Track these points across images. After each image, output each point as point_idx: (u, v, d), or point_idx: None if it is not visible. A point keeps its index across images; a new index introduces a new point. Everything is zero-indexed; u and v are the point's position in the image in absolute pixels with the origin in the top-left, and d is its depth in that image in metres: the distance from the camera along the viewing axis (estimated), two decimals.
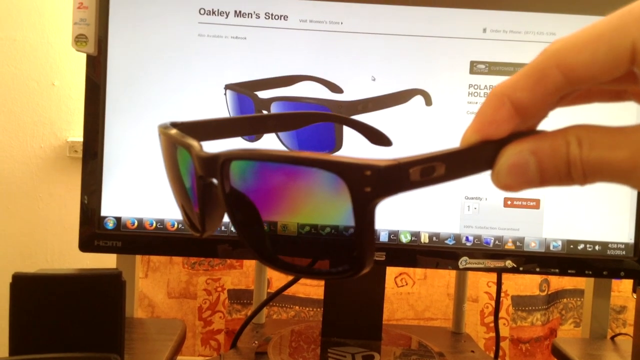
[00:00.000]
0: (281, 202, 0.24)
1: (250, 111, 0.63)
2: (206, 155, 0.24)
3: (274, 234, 0.26)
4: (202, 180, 0.25)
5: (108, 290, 0.53)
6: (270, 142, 0.63)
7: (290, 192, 0.23)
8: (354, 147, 0.63)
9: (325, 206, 0.23)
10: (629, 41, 0.18)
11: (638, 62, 0.18)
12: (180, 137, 0.26)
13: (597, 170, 0.19)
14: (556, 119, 0.22)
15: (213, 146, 0.26)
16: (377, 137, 0.57)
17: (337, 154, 0.63)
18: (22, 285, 0.52)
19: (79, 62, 1.14)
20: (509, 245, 0.64)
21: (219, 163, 0.23)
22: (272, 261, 0.25)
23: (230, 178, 0.23)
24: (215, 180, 0.24)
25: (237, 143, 0.60)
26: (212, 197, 0.25)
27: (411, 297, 1.09)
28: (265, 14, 0.63)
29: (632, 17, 0.18)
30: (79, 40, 0.62)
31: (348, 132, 0.63)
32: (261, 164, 0.23)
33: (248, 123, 0.40)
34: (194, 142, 0.25)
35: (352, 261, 0.22)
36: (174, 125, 0.30)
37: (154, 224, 0.65)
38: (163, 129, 0.28)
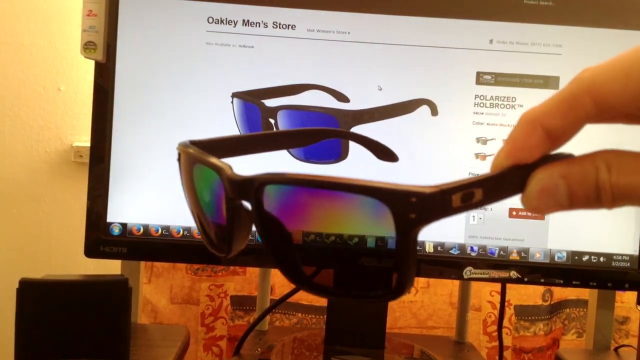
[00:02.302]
0: (318, 226, 0.23)
1: (257, 119, 0.63)
2: (240, 179, 0.23)
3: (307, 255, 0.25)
4: (232, 202, 0.24)
5: (114, 297, 0.54)
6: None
7: (328, 216, 0.23)
8: (358, 157, 0.63)
9: (365, 231, 0.22)
10: None
11: None
12: (207, 158, 0.26)
13: (626, 195, 0.19)
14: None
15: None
16: (384, 153, 0.57)
17: (341, 163, 0.63)
18: (29, 290, 0.52)
19: (85, 68, 1.14)
20: (514, 256, 0.64)
21: (254, 187, 0.22)
22: (307, 284, 0.24)
23: (264, 202, 0.23)
24: (245, 203, 0.23)
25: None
26: (240, 219, 0.25)
27: (414, 306, 1.09)
28: (273, 23, 0.63)
29: None
30: (87, 47, 0.63)
31: (353, 143, 0.63)
32: (298, 188, 0.22)
33: (260, 140, 0.40)
34: (223, 164, 0.24)
35: (392, 284, 0.22)
36: (193, 143, 0.30)
37: (160, 231, 0.65)
38: (184, 148, 0.28)
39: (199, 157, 0.27)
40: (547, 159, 0.21)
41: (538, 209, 0.21)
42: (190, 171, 0.27)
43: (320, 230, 0.24)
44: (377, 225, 0.21)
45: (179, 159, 0.30)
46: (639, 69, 0.19)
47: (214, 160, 0.25)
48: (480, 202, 0.21)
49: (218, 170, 0.25)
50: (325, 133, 0.47)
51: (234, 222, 0.25)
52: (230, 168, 0.24)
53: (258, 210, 0.23)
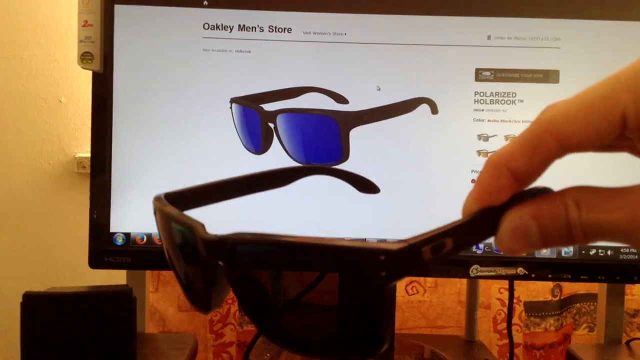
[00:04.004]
0: (293, 283, 0.23)
1: (257, 124, 0.63)
2: (212, 239, 0.23)
3: (285, 314, 0.25)
4: (206, 261, 0.24)
5: (119, 308, 0.53)
6: (277, 152, 0.63)
7: (302, 275, 0.23)
8: (361, 159, 0.63)
9: (340, 287, 0.22)
10: (619, 109, 0.18)
11: (629, 128, 0.19)
12: (180, 216, 0.26)
13: (597, 231, 0.19)
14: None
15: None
16: (365, 186, 0.56)
17: (347, 163, 0.63)
18: (33, 304, 0.52)
19: (85, 79, 1.14)
20: None
21: (227, 247, 0.22)
22: (283, 342, 0.24)
23: (237, 261, 0.23)
24: (220, 262, 0.23)
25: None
26: (216, 277, 0.25)
27: (422, 306, 1.08)
28: (269, 27, 0.63)
29: (620, 85, 0.19)
30: (84, 58, 0.63)
31: (354, 143, 0.63)
32: (271, 247, 0.22)
33: (242, 184, 0.39)
34: (196, 223, 0.24)
35: (369, 342, 0.22)
36: (168, 196, 0.29)
37: None
38: (159, 205, 0.28)
39: (173, 216, 0.26)
40: (517, 198, 0.21)
41: (512, 250, 0.21)
42: (168, 227, 0.27)
43: (296, 288, 0.24)
44: (351, 282, 0.21)
45: (155, 213, 0.29)
46: (600, 108, 0.19)
47: (186, 219, 0.25)
48: (452, 251, 0.21)
49: (190, 229, 0.24)
50: (305, 171, 0.47)
51: (210, 281, 0.25)
52: (203, 227, 0.24)
53: (231, 269, 0.23)
